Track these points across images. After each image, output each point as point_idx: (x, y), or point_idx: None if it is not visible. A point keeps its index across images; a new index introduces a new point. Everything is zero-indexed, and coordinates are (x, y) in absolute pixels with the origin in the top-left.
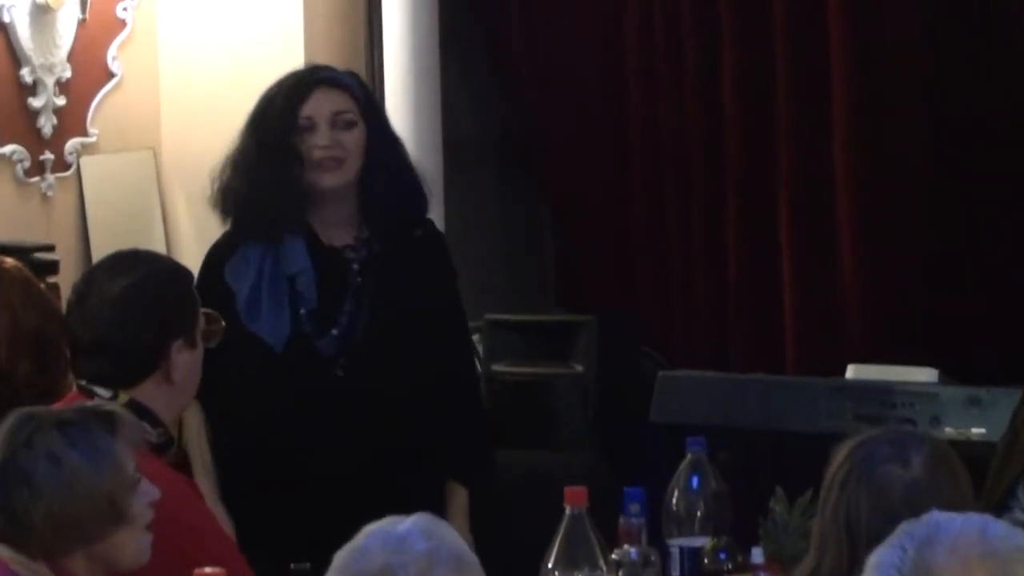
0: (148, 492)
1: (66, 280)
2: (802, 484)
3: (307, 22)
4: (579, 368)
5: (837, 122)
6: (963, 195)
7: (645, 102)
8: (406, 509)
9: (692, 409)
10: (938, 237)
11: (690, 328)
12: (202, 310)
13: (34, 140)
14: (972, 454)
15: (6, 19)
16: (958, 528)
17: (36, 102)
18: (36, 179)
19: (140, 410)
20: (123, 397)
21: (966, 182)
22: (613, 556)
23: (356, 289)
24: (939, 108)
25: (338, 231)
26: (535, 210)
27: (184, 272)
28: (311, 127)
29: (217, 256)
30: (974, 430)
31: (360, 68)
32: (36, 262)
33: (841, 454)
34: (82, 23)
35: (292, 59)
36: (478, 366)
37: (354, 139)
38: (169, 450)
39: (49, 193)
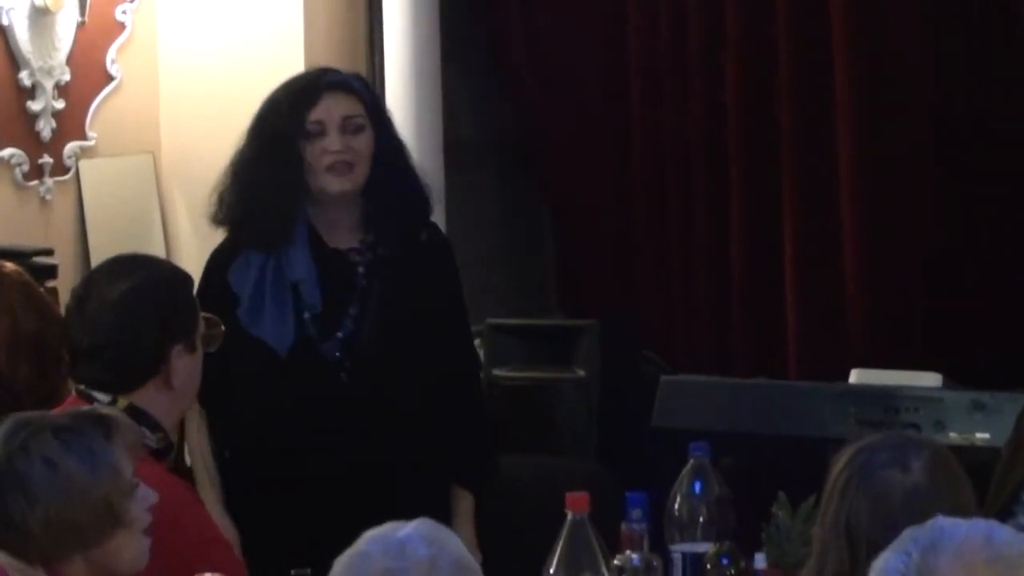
0: (146, 496)
1: (65, 284)
2: (805, 489)
3: (307, 24)
4: (581, 372)
5: (840, 123)
6: (968, 197)
7: (646, 103)
8: (410, 513)
9: (694, 414)
10: (942, 240)
11: (692, 332)
12: (202, 314)
13: (33, 144)
14: (976, 459)
15: (5, 22)
16: (963, 533)
17: (35, 105)
18: (35, 183)
19: (139, 415)
20: (122, 402)
21: (971, 184)
22: (615, 562)
23: (362, 292)
24: (943, 109)
25: (343, 234)
26: (536, 212)
27: (184, 276)
28: (321, 132)
29: (220, 260)
30: (978, 435)
31: (361, 70)
32: (35, 266)
33: (841, 460)
34: (81, 26)
35: (292, 62)
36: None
37: (364, 143)
38: (169, 455)
39: (48, 197)
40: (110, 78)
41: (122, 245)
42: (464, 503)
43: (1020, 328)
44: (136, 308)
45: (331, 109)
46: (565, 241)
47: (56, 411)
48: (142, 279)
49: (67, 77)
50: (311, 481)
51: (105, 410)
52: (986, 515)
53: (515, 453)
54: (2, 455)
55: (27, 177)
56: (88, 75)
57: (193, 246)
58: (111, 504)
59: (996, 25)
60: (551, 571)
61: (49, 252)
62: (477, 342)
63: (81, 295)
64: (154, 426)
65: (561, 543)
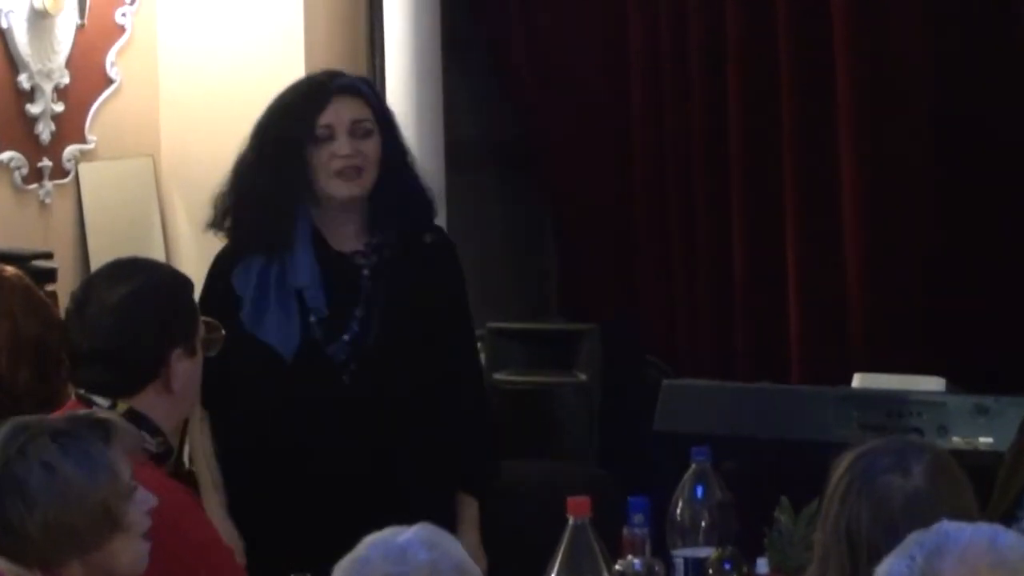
0: (145, 500)
1: (64, 288)
2: (807, 494)
3: (308, 26)
4: (582, 377)
5: (841, 124)
6: (970, 199)
7: (647, 103)
8: (413, 517)
9: (696, 418)
10: (945, 243)
11: (694, 335)
12: (202, 318)
13: (32, 147)
14: (979, 464)
15: (4, 24)
16: (967, 538)
17: (34, 108)
18: (34, 186)
19: (139, 419)
20: (122, 406)
21: (974, 186)
22: (617, 567)
23: (367, 295)
24: (944, 110)
25: (347, 237)
26: (537, 213)
27: (184, 280)
28: (330, 136)
29: (223, 264)
30: (981, 439)
31: (361, 71)
32: (34, 270)
33: (842, 465)
34: (81, 29)
35: (293, 64)
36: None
37: (372, 148)
38: (169, 459)
39: (47, 200)
40: (110, 81)
41: (122, 249)
42: (469, 509)
43: None
44: (136, 312)
45: (340, 113)
46: (566, 243)
47: (55, 415)
48: (142, 283)
49: (66, 80)
50: (313, 483)
51: (103, 414)
52: (989, 519)
53: (516, 458)
54: (0, 459)
55: (26, 180)
56: (88, 78)
57: (193, 249)
58: (109, 508)
59: (996, 25)
60: None
61: (48, 256)
62: (478, 346)
63: (80, 299)
64: (154, 430)
65: (562, 548)
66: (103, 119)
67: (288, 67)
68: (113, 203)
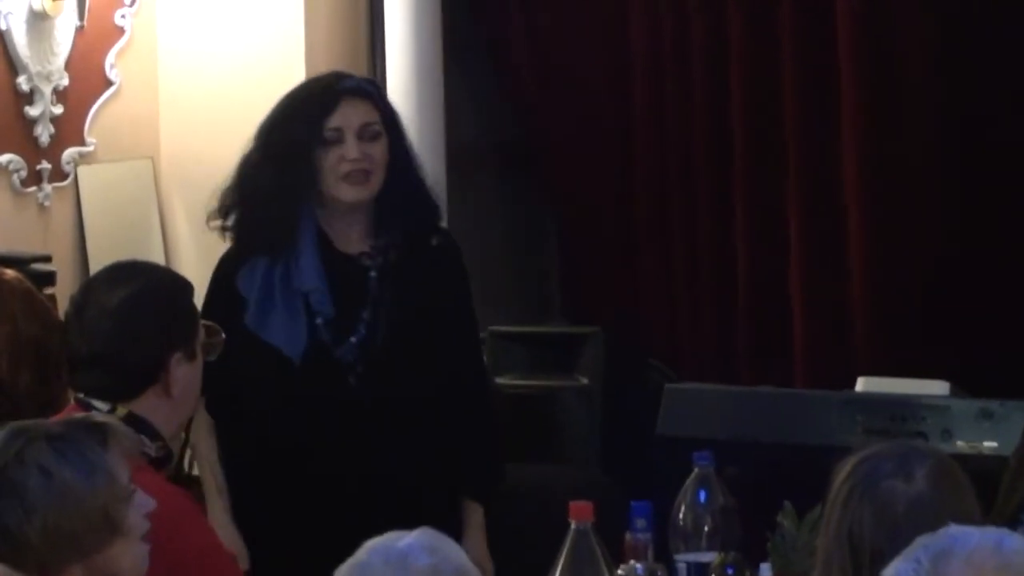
0: (143, 503)
1: (63, 291)
2: (811, 499)
3: (308, 28)
4: (584, 380)
5: (845, 126)
6: (975, 202)
7: (649, 104)
8: (418, 520)
9: (699, 422)
10: (950, 247)
11: (697, 339)
12: (202, 322)
13: (31, 149)
14: (984, 468)
15: (3, 26)
16: (974, 541)
17: (33, 111)
18: (33, 189)
19: (138, 423)
20: (121, 410)
21: (978, 189)
22: (619, 572)
23: (375, 297)
24: (950, 113)
25: (353, 239)
26: (538, 214)
27: (183, 283)
28: (338, 139)
29: (228, 266)
30: (986, 444)
31: (362, 72)
32: (33, 273)
33: (844, 470)
34: (80, 30)
35: (293, 66)
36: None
37: (380, 151)
38: (168, 464)
39: (46, 203)
40: (109, 83)
41: (121, 251)
42: (475, 515)
43: None
44: (135, 316)
45: (349, 116)
46: (567, 243)
47: (54, 419)
48: (141, 286)
49: (66, 82)
50: (318, 484)
51: (101, 417)
52: (993, 524)
53: (518, 461)
54: None
55: (25, 183)
56: (87, 80)
57: (193, 252)
58: (108, 512)
59: (1003, 26)
60: None
61: (47, 259)
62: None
63: (80, 302)
64: (153, 435)
65: (564, 553)
66: (102, 121)
67: (288, 69)
68: (112, 206)
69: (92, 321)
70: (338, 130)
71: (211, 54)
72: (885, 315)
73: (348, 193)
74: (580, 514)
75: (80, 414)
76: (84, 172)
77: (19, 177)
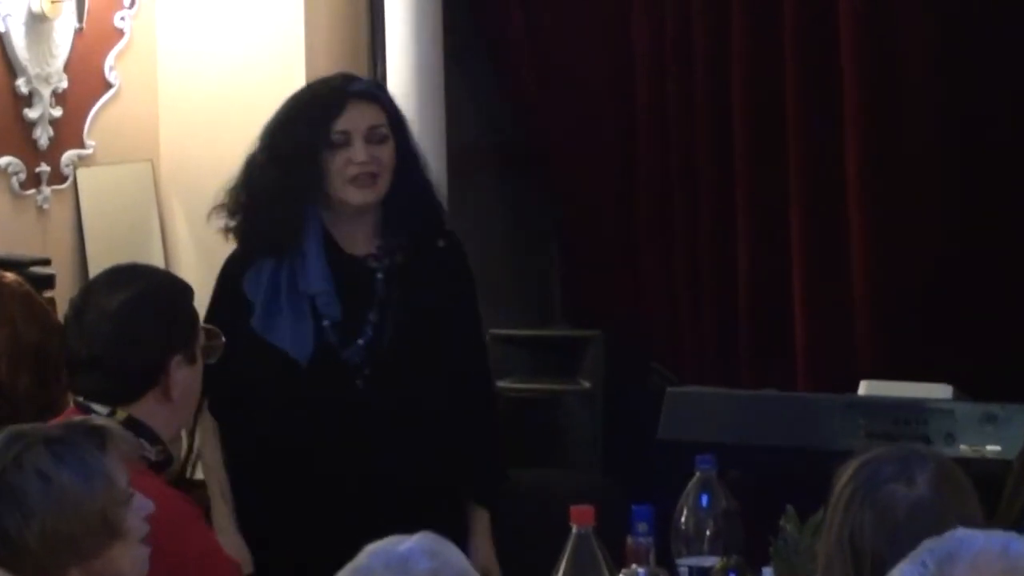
0: (142, 506)
1: (62, 294)
2: (813, 503)
3: (308, 30)
4: (586, 384)
5: (848, 127)
6: (978, 205)
7: (651, 105)
8: (423, 523)
9: (701, 426)
10: (953, 249)
11: (699, 343)
12: (202, 325)
13: (30, 152)
14: (987, 472)
15: (1, 28)
16: (980, 545)
17: (32, 113)
18: (32, 191)
19: (138, 427)
20: (121, 414)
21: (981, 192)
22: None
23: (381, 299)
24: (953, 115)
25: (359, 241)
26: (539, 215)
27: (183, 286)
28: (346, 142)
29: (234, 268)
30: (989, 447)
31: (362, 74)
32: (32, 276)
33: (845, 474)
34: (79, 32)
35: (293, 68)
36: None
37: (387, 154)
38: (168, 467)
39: (45, 206)
40: (108, 85)
41: (120, 254)
42: (481, 521)
43: None
44: (135, 319)
45: (356, 119)
46: (568, 244)
47: (52, 423)
48: (141, 289)
49: (65, 84)
50: (324, 486)
51: (99, 421)
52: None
53: (520, 465)
54: None
55: (24, 186)
56: (86, 82)
57: (192, 255)
58: (106, 515)
59: (1003, 26)
60: None
61: (46, 262)
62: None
63: (79, 305)
64: (153, 438)
65: (566, 557)
66: (102, 124)
67: (289, 71)
68: (112, 208)
69: (92, 324)
70: (345, 133)
71: (211, 56)
72: (887, 316)
73: (355, 196)
74: (581, 518)
75: (79, 417)
76: (83, 175)
77: (18, 180)
